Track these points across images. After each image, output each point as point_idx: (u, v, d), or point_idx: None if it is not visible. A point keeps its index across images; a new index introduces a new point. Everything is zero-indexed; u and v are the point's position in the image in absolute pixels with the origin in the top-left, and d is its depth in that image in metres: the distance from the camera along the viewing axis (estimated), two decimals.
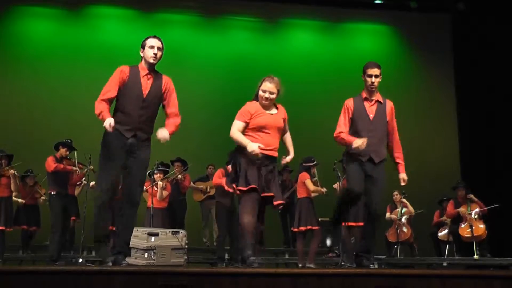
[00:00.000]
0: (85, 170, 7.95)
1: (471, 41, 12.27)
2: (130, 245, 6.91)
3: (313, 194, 7.69)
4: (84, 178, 8.21)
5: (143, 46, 4.86)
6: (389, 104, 5.38)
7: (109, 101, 4.79)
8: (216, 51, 12.57)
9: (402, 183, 5.37)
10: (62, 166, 7.78)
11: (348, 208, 5.36)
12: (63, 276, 3.69)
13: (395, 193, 9.93)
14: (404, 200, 9.93)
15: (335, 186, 7.90)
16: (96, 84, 12.87)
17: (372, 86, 5.26)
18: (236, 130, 5.04)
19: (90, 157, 7.82)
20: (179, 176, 9.20)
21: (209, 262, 8.99)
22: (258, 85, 5.13)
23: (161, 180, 8.30)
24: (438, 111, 12.93)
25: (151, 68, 4.87)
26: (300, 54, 12.92)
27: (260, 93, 5.08)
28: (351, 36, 13.46)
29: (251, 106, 5.11)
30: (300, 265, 7.77)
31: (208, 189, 9.96)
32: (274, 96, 5.07)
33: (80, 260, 7.42)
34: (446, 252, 9.89)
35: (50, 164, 7.76)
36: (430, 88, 12.96)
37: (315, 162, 7.89)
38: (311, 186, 7.62)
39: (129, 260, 6.90)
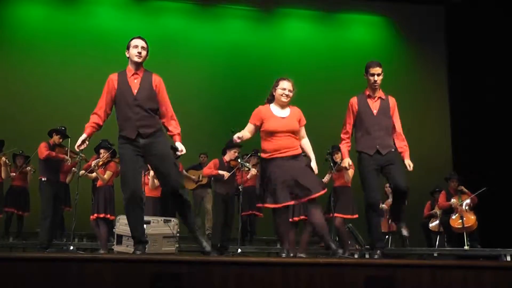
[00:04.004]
0: (77, 158, 7.91)
1: (465, 33, 12.28)
2: (122, 233, 6.96)
3: None
4: (75, 166, 8.16)
5: (128, 48, 4.95)
6: (392, 100, 5.64)
7: (101, 112, 4.90)
8: (210, 40, 12.51)
9: (409, 169, 5.55)
10: (54, 153, 7.72)
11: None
12: (54, 264, 3.68)
13: (387, 184, 9.96)
14: None
15: (324, 180, 7.95)
16: (89, 71, 12.86)
17: (375, 84, 5.50)
18: (244, 130, 5.22)
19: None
20: None
21: (200, 251, 8.98)
22: (273, 86, 5.27)
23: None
24: (430, 103, 12.96)
25: (138, 67, 4.93)
26: (295, 44, 12.90)
27: (279, 91, 5.20)
28: (345, 26, 13.45)
29: (262, 110, 5.25)
30: (291, 255, 7.78)
31: (200, 178, 9.95)
32: (291, 94, 5.22)
33: (71, 247, 7.43)
34: (437, 243, 9.96)
35: (42, 151, 7.70)
36: (423, 79, 12.99)
37: None
38: None
39: (120, 248, 6.93)
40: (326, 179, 7.97)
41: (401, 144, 5.61)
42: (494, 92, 11.48)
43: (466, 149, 11.89)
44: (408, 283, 3.91)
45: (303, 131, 5.35)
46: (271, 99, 5.28)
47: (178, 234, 7.32)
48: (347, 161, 5.59)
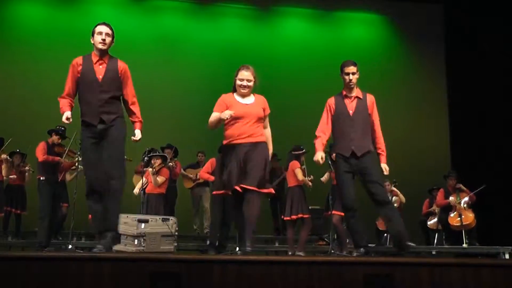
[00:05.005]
0: (75, 158, 7.89)
1: (463, 32, 12.28)
2: (120, 232, 6.94)
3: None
4: (76, 164, 8.14)
5: (92, 34, 4.98)
6: (370, 98, 5.55)
7: (70, 95, 4.97)
8: (208, 38, 12.50)
9: (385, 173, 5.47)
10: (50, 158, 7.70)
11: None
12: (52, 263, 3.68)
13: (386, 183, 9.97)
14: (394, 188, 9.97)
15: (322, 179, 7.98)
16: None
17: (351, 84, 5.48)
18: (211, 118, 5.20)
19: (80, 142, 7.75)
20: (170, 163, 9.17)
21: (199, 250, 8.99)
22: (234, 76, 5.21)
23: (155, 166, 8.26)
24: (429, 101, 12.96)
25: (103, 54, 4.94)
26: (292, 42, 12.89)
27: (238, 82, 5.17)
28: (343, 25, 13.44)
29: (226, 97, 5.22)
30: (290, 253, 7.80)
31: (198, 177, 9.94)
32: (251, 84, 5.16)
33: (70, 246, 7.41)
34: (435, 241, 9.96)
35: (39, 154, 7.69)
36: (421, 77, 12.99)
37: (304, 150, 7.90)
38: (300, 176, 7.65)
39: (119, 247, 6.92)
40: (325, 177, 7.99)
41: (380, 145, 5.51)
42: (493, 91, 11.48)
43: (465, 147, 11.90)
44: (407, 281, 3.92)
45: (266, 121, 5.26)
46: (234, 89, 5.24)
47: (176, 233, 7.32)
48: (319, 155, 5.38)
